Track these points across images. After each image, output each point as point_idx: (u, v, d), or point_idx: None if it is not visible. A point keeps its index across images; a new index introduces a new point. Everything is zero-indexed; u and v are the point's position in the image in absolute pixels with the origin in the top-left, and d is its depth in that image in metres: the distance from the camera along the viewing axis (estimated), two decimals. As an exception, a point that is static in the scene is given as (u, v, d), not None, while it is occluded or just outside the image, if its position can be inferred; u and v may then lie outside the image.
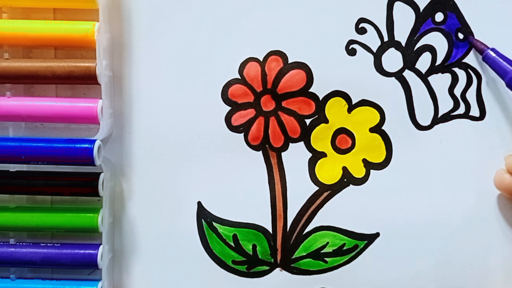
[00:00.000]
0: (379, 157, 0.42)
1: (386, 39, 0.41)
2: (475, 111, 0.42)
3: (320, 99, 0.42)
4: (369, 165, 0.43)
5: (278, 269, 0.44)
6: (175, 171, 0.43)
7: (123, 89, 0.42)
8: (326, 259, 0.43)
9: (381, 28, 0.41)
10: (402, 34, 0.41)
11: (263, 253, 0.43)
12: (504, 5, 0.41)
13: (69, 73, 0.40)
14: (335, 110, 0.42)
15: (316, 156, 0.43)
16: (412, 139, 0.42)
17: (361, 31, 0.42)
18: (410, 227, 0.43)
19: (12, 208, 0.42)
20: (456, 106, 0.42)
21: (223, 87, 0.42)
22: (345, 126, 0.42)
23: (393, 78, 0.42)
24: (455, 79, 0.42)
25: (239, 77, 0.42)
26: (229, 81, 0.42)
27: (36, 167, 0.41)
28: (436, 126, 0.42)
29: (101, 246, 0.42)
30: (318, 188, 0.43)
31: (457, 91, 0.42)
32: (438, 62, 0.42)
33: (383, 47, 0.42)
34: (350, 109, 0.42)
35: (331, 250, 0.43)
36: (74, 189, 0.41)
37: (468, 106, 0.42)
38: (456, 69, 0.42)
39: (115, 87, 0.42)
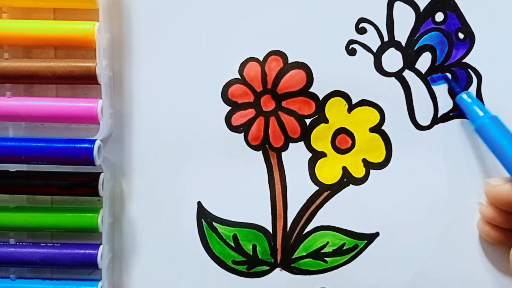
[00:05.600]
0: (379, 157, 0.42)
1: (386, 39, 0.41)
2: (475, 111, 0.42)
3: (320, 99, 0.42)
4: (369, 165, 0.43)
5: (278, 269, 0.44)
6: (175, 171, 0.43)
7: (123, 89, 0.42)
8: (326, 259, 0.43)
9: (381, 28, 0.41)
10: (402, 34, 0.41)
11: (263, 253, 0.43)
12: (504, 5, 0.41)
13: (69, 73, 0.40)
14: (335, 110, 0.42)
15: (316, 156, 0.43)
16: (411, 139, 0.42)
17: (361, 31, 0.42)
18: (410, 227, 0.43)
19: (12, 208, 0.42)
20: (456, 106, 0.42)
21: (223, 87, 0.42)
22: (345, 126, 0.42)
23: (393, 78, 0.42)
24: (455, 79, 0.42)
25: (239, 77, 0.42)
26: (229, 81, 0.42)
27: (36, 167, 0.41)
28: (435, 126, 0.42)
29: (101, 246, 0.42)
30: (318, 188, 0.43)
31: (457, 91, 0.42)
32: (438, 62, 0.42)
33: (383, 47, 0.42)
34: (350, 109, 0.42)
35: (331, 250, 0.43)
36: (74, 189, 0.41)
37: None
38: (456, 69, 0.42)
39: (115, 87, 0.42)
